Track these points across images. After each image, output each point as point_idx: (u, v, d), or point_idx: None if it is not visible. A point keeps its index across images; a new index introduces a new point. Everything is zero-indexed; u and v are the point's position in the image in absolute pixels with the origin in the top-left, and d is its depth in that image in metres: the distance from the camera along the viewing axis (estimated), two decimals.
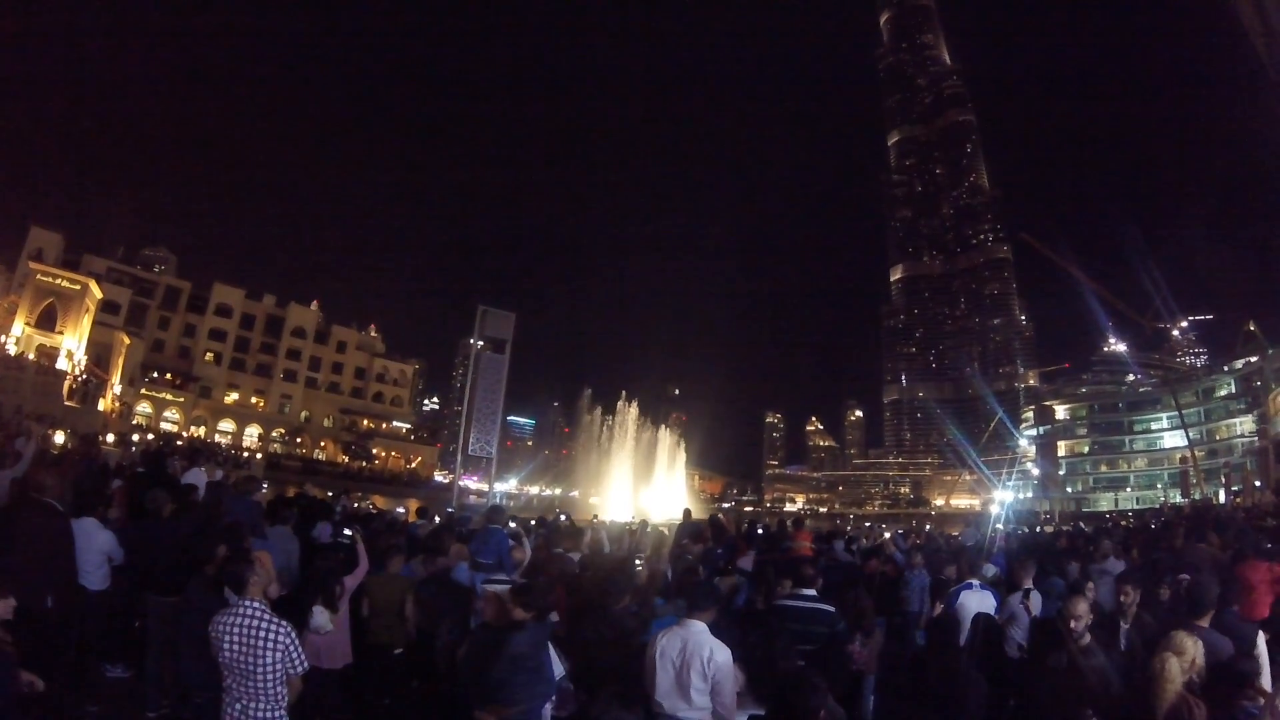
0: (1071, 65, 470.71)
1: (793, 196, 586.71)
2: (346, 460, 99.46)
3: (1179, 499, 77.46)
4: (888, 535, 21.38)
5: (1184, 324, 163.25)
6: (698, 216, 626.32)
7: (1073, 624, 5.99)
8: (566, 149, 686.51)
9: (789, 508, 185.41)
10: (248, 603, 5.16)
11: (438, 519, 16.04)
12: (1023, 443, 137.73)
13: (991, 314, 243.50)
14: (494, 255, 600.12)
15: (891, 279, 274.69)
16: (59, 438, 22.97)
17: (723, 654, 5.66)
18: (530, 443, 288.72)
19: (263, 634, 5.00)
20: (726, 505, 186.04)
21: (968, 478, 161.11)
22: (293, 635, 5.13)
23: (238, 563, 5.46)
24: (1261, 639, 6.37)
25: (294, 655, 5.09)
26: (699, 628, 5.80)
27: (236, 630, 5.00)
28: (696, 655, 5.63)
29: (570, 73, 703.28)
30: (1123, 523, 42.71)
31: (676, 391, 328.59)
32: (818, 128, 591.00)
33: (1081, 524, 42.30)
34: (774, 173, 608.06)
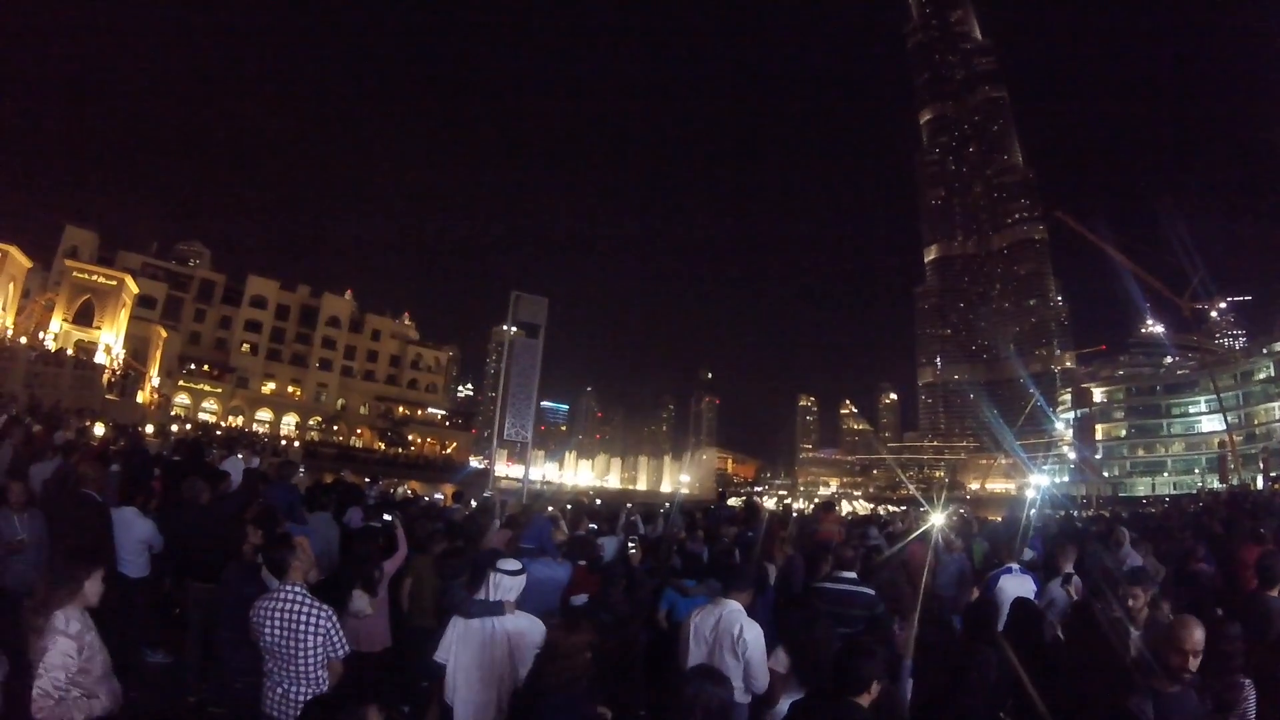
0: (1105, 40, 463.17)
1: (824, 177, 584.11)
2: (383, 447, 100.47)
3: (1217, 484, 76.41)
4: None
5: (1222, 305, 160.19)
6: (729, 199, 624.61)
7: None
8: (595, 135, 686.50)
9: (822, 491, 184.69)
10: (289, 587, 5.20)
11: (473, 503, 16.12)
12: (1059, 426, 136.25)
13: (1027, 295, 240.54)
14: (527, 242, 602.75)
15: (925, 260, 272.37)
16: (99, 430, 23.29)
17: (753, 632, 5.70)
18: (564, 427, 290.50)
19: (304, 618, 5.04)
20: (759, 489, 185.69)
21: (1003, 461, 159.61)
22: (334, 619, 5.16)
23: (278, 547, 5.50)
24: None
25: (335, 639, 5.13)
26: (733, 607, 5.86)
27: (277, 615, 5.04)
28: (727, 633, 5.69)
29: (596, 60, 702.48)
30: (1152, 509, 42.07)
31: (709, 375, 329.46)
32: (848, 107, 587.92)
33: (1122, 511, 41.80)
34: (805, 153, 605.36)
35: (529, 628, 5.50)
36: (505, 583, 5.56)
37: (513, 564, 5.77)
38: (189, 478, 9.68)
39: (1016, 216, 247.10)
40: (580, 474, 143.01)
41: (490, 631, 5.36)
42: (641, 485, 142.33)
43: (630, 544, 11.52)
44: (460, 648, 5.34)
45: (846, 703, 4.23)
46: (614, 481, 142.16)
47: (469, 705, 5.23)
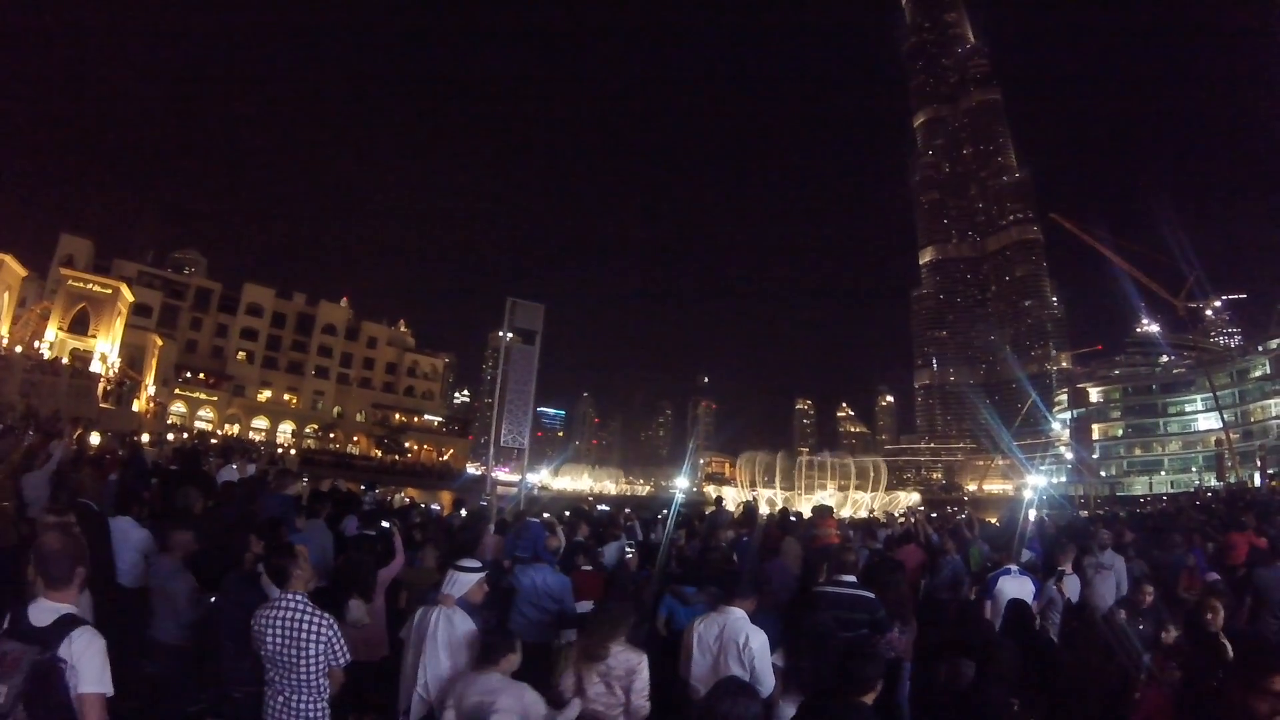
0: (1098, 41, 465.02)
1: (820, 181, 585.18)
2: (379, 454, 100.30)
3: (1214, 482, 76.57)
4: (921, 513, 21.12)
5: (1217, 303, 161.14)
6: (725, 203, 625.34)
7: None
8: (591, 141, 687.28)
9: (819, 495, 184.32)
10: (290, 596, 5.19)
11: (463, 513, 16.12)
12: (1056, 426, 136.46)
13: (1022, 296, 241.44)
14: (524, 249, 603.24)
15: (921, 262, 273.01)
16: (94, 438, 23.23)
17: (759, 639, 5.68)
18: (561, 433, 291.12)
19: (306, 626, 5.04)
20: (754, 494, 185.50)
21: (1001, 462, 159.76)
22: (335, 627, 5.16)
23: (281, 556, 5.49)
24: None
25: (336, 647, 5.13)
26: (737, 614, 5.82)
27: (279, 623, 5.03)
28: (733, 641, 5.65)
29: (592, 65, 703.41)
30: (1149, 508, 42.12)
31: (706, 380, 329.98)
32: (843, 110, 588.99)
33: (1120, 510, 41.85)
34: (801, 157, 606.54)
35: (457, 621, 5.85)
36: (454, 578, 6.03)
37: (471, 563, 6.17)
38: (182, 487, 9.64)
39: (1011, 218, 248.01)
40: (580, 480, 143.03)
41: (425, 618, 5.87)
42: (641, 490, 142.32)
43: (628, 549, 11.50)
44: (410, 629, 6.02)
45: (852, 702, 4.46)
46: (612, 486, 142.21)
47: (406, 676, 5.89)
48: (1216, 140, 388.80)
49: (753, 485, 79.89)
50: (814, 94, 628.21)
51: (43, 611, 3.83)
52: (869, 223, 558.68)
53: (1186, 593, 9.86)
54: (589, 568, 9.17)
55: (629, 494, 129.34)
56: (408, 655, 5.93)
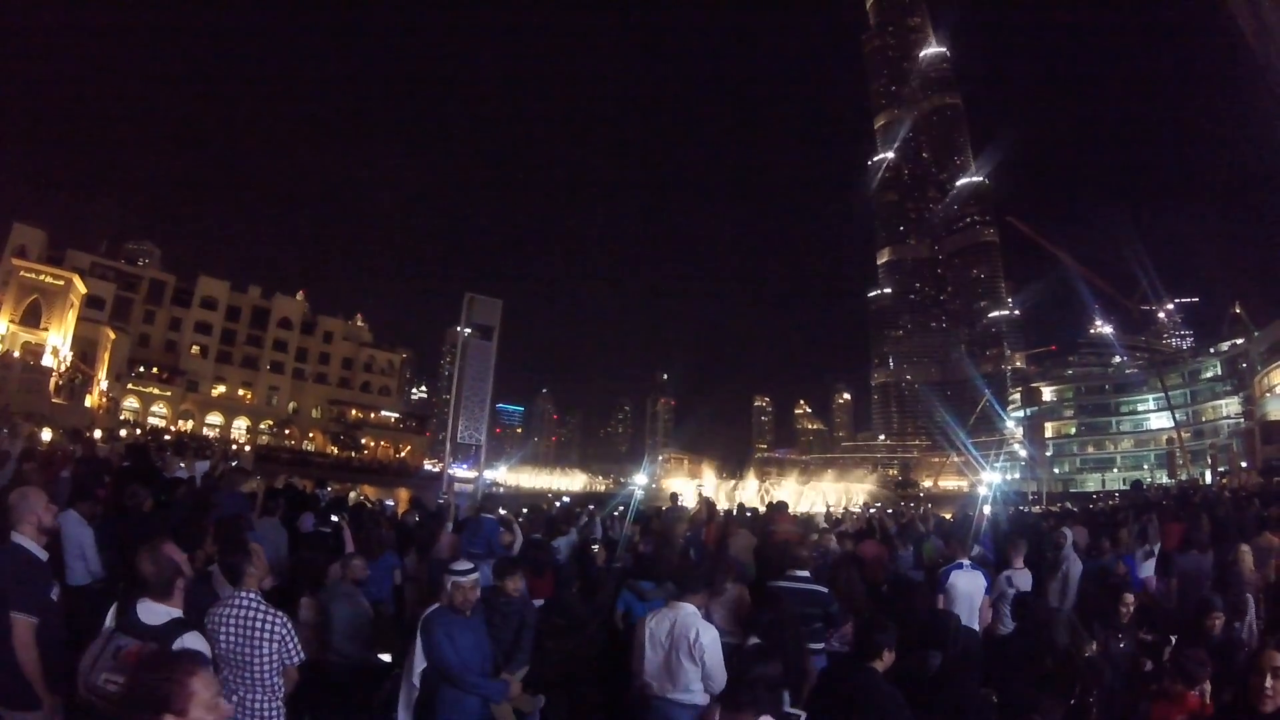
0: (1058, 49, 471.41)
1: (781, 181, 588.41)
2: (336, 451, 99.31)
3: (1165, 480, 78.13)
4: (875, 509, 21.28)
5: (1170, 306, 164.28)
6: (685, 202, 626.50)
7: None
8: (554, 137, 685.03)
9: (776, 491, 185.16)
10: (244, 594, 5.15)
11: (416, 518, 16.01)
12: (1010, 424, 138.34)
13: (978, 297, 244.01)
14: (482, 244, 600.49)
15: (878, 262, 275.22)
16: (46, 434, 22.84)
17: (709, 635, 5.68)
18: (519, 430, 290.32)
19: (259, 625, 4.99)
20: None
21: (956, 459, 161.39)
22: (289, 625, 5.11)
23: (235, 554, 5.44)
24: None
25: (290, 645, 5.08)
26: (688, 610, 5.80)
27: (233, 622, 4.98)
28: (684, 637, 5.63)
29: (557, 60, 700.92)
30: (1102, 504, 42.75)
31: (665, 377, 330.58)
32: (805, 111, 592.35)
33: (1071, 505, 42.49)
34: (762, 157, 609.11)
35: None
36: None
37: (463, 565, 6.18)
38: (130, 485, 9.50)
39: (968, 220, 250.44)
40: (540, 477, 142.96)
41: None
42: (600, 487, 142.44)
43: (593, 545, 11.50)
44: None
45: (864, 667, 5.10)
46: (569, 484, 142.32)
47: None
48: (1174, 147, 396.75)
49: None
50: (774, 94, 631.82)
51: (152, 612, 4.34)
52: (828, 223, 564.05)
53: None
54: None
55: (589, 490, 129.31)
56: None
